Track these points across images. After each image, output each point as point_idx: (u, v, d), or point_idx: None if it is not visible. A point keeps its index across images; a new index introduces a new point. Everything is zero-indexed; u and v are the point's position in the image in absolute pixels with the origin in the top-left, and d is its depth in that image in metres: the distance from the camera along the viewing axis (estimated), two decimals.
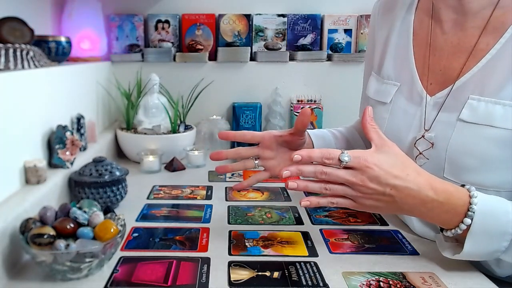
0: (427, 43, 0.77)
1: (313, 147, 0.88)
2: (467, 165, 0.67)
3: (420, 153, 0.72)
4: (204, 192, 1.00)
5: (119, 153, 1.29)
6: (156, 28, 1.45)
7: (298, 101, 1.44)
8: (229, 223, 0.83)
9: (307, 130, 0.88)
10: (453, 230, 0.62)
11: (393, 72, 0.82)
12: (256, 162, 0.80)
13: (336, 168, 0.60)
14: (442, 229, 0.66)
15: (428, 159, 0.71)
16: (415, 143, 0.73)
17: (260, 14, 1.46)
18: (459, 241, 0.64)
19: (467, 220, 0.60)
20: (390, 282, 0.62)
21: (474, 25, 0.71)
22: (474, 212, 0.59)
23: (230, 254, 0.70)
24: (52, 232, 0.61)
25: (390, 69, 0.82)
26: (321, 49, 1.49)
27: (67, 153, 0.87)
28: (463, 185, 0.64)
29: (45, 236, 0.60)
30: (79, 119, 1.01)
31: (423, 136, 0.72)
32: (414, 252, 0.72)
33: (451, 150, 0.68)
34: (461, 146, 0.67)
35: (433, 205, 0.61)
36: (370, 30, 0.93)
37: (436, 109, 0.72)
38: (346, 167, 0.60)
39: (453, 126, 0.68)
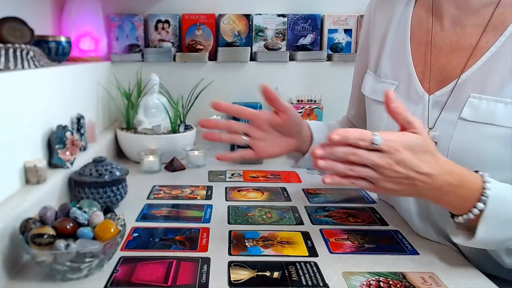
0: (426, 40, 0.76)
1: (312, 139, 0.88)
2: (469, 164, 0.66)
3: None
4: (204, 192, 1.00)
5: (119, 153, 1.29)
6: (156, 28, 1.45)
7: (298, 101, 1.44)
8: (229, 223, 0.83)
9: (307, 121, 0.90)
10: (465, 216, 0.62)
11: (390, 70, 0.81)
12: (245, 139, 0.80)
13: (366, 151, 0.59)
14: (452, 216, 0.65)
15: None
16: None
17: (260, 14, 1.46)
18: (470, 230, 0.64)
19: (480, 205, 0.60)
20: (390, 282, 0.62)
21: (474, 23, 0.70)
22: (487, 197, 0.60)
23: (230, 254, 0.70)
24: (52, 232, 0.61)
25: (387, 67, 0.81)
26: (321, 49, 1.49)
27: (67, 153, 0.87)
28: (476, 171, 0.63)
29: (45, 236, 0.60)
30: (79, 119, 1.01)
31: None
32: (414, 252, 0.72)
33: (453, 149, 0.68)
34: (463, 145, 0.67)
35: (448, 189, 0.61)
36: (364, 26, 0.92)
37: (437, 108, 0.72)
38: (376, 149, 0.58)
39: (455, 125, 0.68)
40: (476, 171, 0.63)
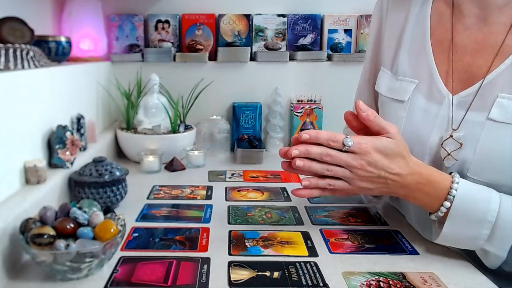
0: (447, 38, 0.73)
1: None
2: (495, 165, 0.65)
3: (449, 154, 0.69)
4: (204, 192, 1.00)
5: (119, 153, 1.29)
6: (156, 28, 1.45)
7: (298, 101, 1.44)
8: (229, 223, 0.83)
9: None
10: (435, 214, 0.67)
11: (408, 68, 0.78)
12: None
13: (340, 152, 0.65)
14: (430, 214, 0.69)
15: (456, 160, 0.69)
16: (442, 144, 0.70)
17: (260, 14, 1.46)
18: None
19: (447, 203, 0.65)
20: (390, 282, 0.62)
21: (499, 21, 0.69)
22: (453, 196, 0.64)
23: (230, 254, 0.70)
24: (52, 232, 0.61)
25: (406, 65, 0.78)
26: (321, 49, 1.49)
27: (67, 153, 0.87)
28: (450, 173, 0.67)
29: (45, 236, 0.60)
30: (79, 119, 1.01)
31: (451, 136, 0.69)
32: (414, 252, 0.72)
33: (480, 151, 0.66)
34: (491, 146, 0.65)
35: (417, 187, 0.66)
36: (375, 22, 0.88)
37: (462, 109, 0.69)
38: (348, 151, 0.64)
39: (482, 125, 0.66)
40: (451, 173, 0.67)
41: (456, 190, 0.64)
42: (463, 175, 0.67)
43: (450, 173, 0.67)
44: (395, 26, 0.82)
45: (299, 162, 0.66)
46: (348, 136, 0.64)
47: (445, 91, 0.72)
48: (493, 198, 0.63)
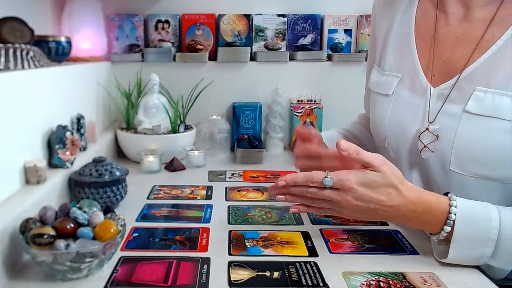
0: (430, 34, 0.76)
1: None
2: (473, 157, 0.66)
3: (425, 146, 0.71)
4: (204, 192, 1.00)
5: (119, 153, 1.29)
6: (156, 28, 1.45)
7: (298, 101, 1.44)
8: (229, 223, 0.83)
9: (322, 134, 0.89)
10: (437, 235, 0.66)
11: (394, 63, 0.81)
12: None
13: (321, 188, 0.63)
14: (431, 234, 0.68)
15: (433, 152, 0.71)
16: (419, 136, 0.72)
17: (260, 14, 1.46)
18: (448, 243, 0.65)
19: (447, 228, 0.63)
20: (390, 282, 0.62)
21: (479, 16, 0.70)
22: (453, 221, 0.63)
23: (230, 254, 0.70)
24: (52, 232, 0.61)
25: (391, 60, 0.81)
26: (321, 49, 1.49)
27: (67, 153, 0.87)
28: (447, 193, 0.65)
29: (45, 236, 0.60)
30: (79, 119, 1.01)
31: (427, 129, 0.71)
32: (414, 252, 0.72)
33: (457, 143, 0.67)
34: (468, 138, 0.67)
35: (413, 216, 0.64)
36: (372, 22, 0.93)
37: (441, 101, 0.71)
38: (331, 188, 0.62)
39: (459, 118, 0.68)
40: (446, 193, 0.65)
41: (455, 214, 0.63)
42: (445, 168, 0.68)
43: (447, 194, 0.65)
44: (384, 24, 0.85)
45: (279, 197, 0.66)
46: (328, 175, 0.61)
47: (426, 84, 0.74)
48: (493, 215, 0.62)
